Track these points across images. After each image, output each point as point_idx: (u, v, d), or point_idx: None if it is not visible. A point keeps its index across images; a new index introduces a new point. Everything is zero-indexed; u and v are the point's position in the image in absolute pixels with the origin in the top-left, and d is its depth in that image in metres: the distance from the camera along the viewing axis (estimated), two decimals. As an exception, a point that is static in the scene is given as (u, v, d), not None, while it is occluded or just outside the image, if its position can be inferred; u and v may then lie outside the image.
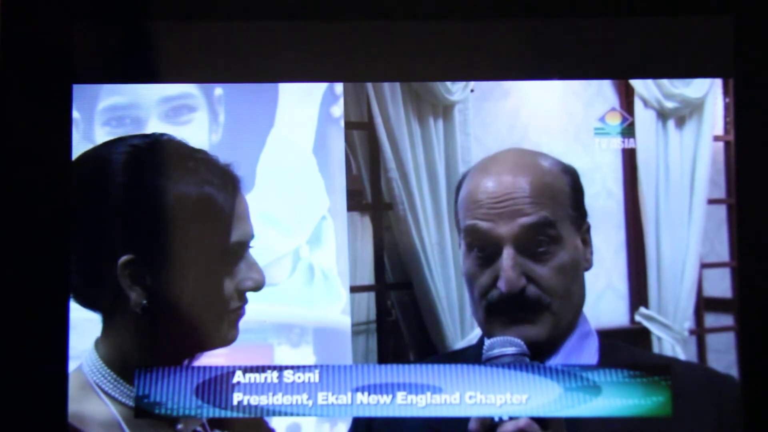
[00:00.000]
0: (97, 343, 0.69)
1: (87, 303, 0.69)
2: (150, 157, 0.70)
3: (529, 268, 0.69)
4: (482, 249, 0.70)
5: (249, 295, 0.71)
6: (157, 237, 0.69)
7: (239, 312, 0.71)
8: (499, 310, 0.69)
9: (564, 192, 0.70)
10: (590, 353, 0.70)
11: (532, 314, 0.69)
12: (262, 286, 0.71)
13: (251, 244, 0.71)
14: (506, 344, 0.69)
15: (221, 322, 0.70)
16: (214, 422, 0.70)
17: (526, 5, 0.70)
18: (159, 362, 0.69)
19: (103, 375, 0.69)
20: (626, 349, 0.71)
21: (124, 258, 0.68)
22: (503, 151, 0.72)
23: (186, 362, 0.70)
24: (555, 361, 0.70)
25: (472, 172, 0.72)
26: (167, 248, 0.69)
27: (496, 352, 0.69)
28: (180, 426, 0.69)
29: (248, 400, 0.69)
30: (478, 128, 0.75)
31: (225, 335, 0.70)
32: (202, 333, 0.69)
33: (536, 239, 0.69)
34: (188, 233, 0.69)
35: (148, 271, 0.68)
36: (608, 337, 0.72)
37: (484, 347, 0.69)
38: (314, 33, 0.71)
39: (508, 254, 0.69)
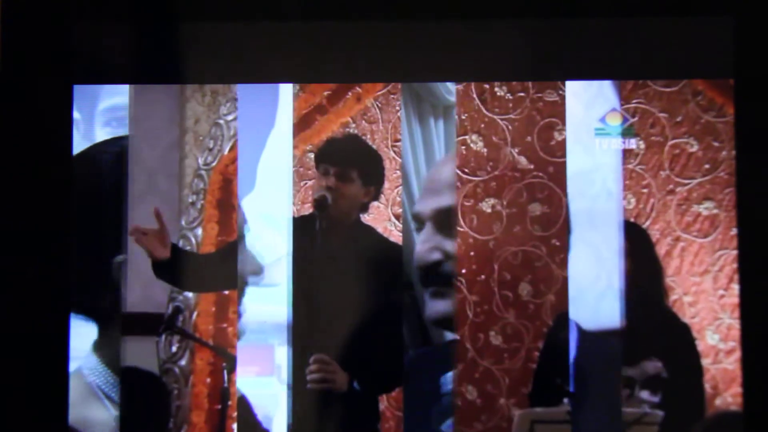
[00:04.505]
0: (96, 345, 0.69)
1: (81, 307, 0.69)
2: None
3: None
4: None
5: (249, 295, 0.71)
6: None
7: None
8: None
9: None
10: None
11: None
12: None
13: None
14: None
15: None
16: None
17: (526, 5, 0.70)
18: None
19: (103, 376, 0.69)
20: None
21: (119, 258, 0.68)
22: None
23: None
24: None
25: None
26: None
27: None
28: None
29: None
30: (479, 129, 0.75)
31: None
32: None
33: None
34: None
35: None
36: (609, 338, 0.71)
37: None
38: (315, 33, 0.71)
39: None
